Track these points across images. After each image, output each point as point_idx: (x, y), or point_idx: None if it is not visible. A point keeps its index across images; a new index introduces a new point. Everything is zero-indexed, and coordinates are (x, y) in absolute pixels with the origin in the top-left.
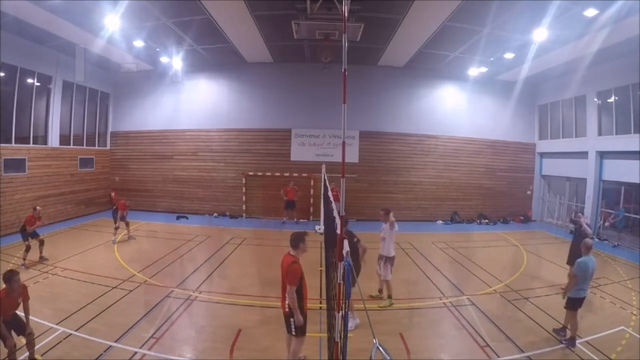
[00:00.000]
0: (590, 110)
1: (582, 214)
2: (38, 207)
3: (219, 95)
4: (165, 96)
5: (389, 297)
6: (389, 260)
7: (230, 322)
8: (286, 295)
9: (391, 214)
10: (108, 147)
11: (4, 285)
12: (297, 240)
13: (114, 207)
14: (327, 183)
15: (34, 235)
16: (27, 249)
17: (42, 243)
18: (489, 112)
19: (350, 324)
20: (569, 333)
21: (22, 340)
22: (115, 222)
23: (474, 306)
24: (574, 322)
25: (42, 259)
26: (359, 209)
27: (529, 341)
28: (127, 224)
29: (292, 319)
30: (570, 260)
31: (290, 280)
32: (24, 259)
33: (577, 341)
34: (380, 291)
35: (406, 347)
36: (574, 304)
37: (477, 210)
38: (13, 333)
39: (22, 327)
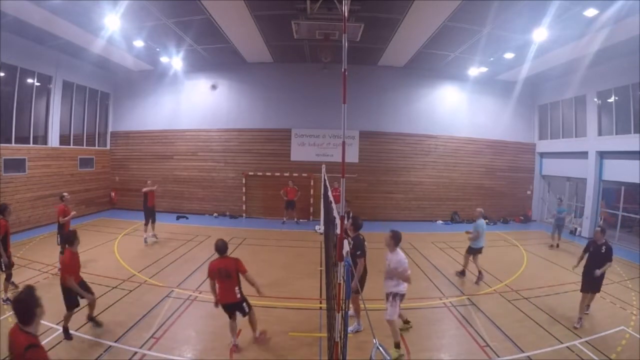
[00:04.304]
0: (590, 110)
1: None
2: (65, 194)
3: (219, 95)
4: (165, 96)
5: (397, 345)
6: (398, 296)
7: None
8: None
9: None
10: (108, 147)
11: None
12: (29, 311)
13: (146, 202)
14: (328, 183)
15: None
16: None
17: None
18: (489, 112)
19: (353, 328)
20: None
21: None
22: (151, 219)
23: (474, 306)
24: (467, 261)
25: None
26: (359, 209)
27: (529, 341)
28: (153, 222)
29: None
30: (585, 287)
31: None
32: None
33: (577, 341)
34: (407, 322)
35: (406, 347)
36: (473, 251)
37: None
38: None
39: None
